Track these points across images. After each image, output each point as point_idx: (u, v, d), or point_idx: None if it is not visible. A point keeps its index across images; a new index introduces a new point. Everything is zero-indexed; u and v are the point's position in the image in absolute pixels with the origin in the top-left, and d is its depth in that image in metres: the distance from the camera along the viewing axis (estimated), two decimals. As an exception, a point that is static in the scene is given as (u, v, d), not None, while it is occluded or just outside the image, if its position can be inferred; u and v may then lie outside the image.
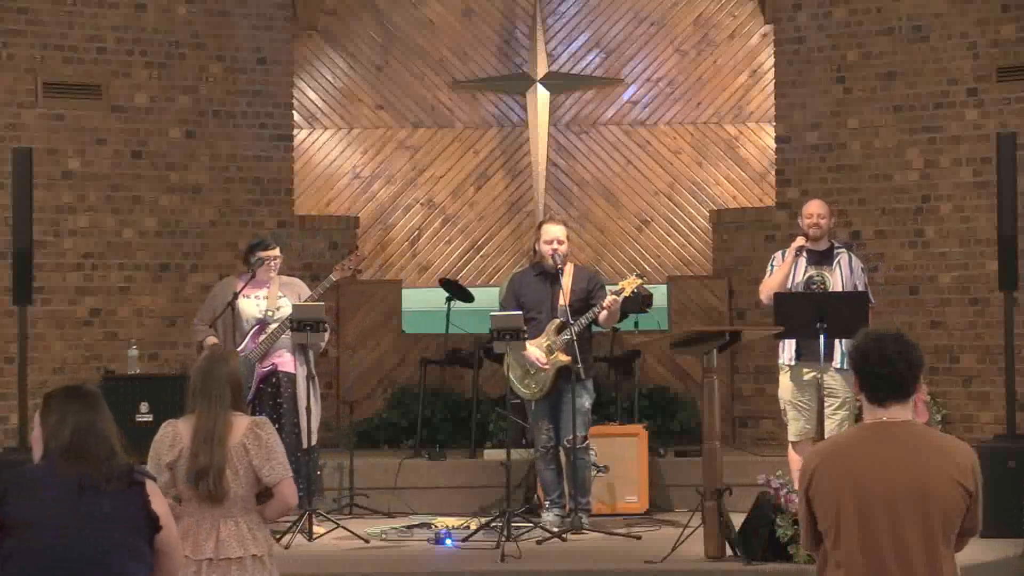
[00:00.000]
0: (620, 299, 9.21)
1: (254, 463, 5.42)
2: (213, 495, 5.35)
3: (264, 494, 5.55)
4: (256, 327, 9.23)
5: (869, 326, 8.95)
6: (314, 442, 9.19)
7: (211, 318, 9.26)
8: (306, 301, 9.21)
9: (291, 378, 9.19)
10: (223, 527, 5.41)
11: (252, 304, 9.25)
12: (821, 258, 9.23)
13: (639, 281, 9.42)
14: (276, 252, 9.36)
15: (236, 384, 5.51)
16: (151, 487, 4.55)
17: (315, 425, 9.18)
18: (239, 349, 9.09)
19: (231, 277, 9.62)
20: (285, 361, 9.19)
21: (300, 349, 9.20)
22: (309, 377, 9.14)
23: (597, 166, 12.43)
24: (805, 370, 8.98)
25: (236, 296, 9.35)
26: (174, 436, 5.45)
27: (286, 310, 9.17)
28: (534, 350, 9.18)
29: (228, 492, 5.37)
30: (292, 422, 9.10)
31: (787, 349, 9.07)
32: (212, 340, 9.17)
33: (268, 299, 9.25)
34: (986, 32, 10.80)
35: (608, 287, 9.41)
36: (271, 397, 9.14)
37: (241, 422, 5.48)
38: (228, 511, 5.41)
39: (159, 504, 4.55)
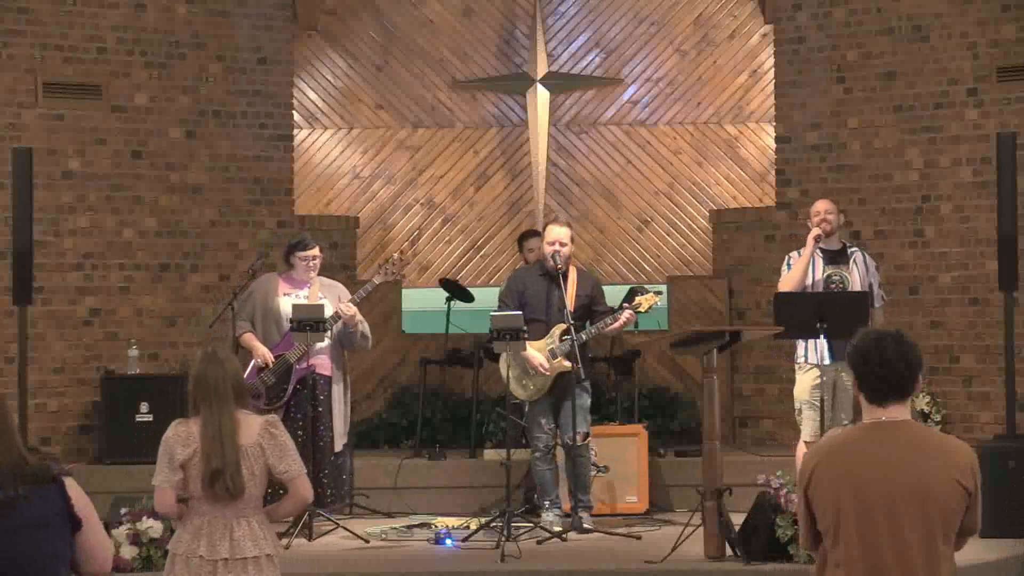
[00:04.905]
0: (635, 315, 9.22)
1: (270, 462, 5.42)
2: (231, 493, 5.34)
3: (272, 492, 5.55)
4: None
5: (885, 321, 9.05)
6: (341, 447, 9.22)
7: (250, 315, 9.27)
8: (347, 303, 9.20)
9: (328, 380, 9.20)
10: (236, 527, 5.40)
11: (291, 303, 9.21)
12: (837, 257, 9.20)
13: (657, 299, 9.38)
14: (315, 252, 9.33)
15: (237, 383, 5.49)
16: (70, 483, 4.37)
17: (345, 429, 9.22)
18: (273, 352, 9.14)
19: (272, 274, 9.59)
20: (323, 364, 9.17)
21: (337, 353, 9.22)
22: (343, 382, 9.18)
23: (597, 166, 12.43)
24: (837, 369, 8.84)
25: (235, 297, 9.38)
26: (187, 435, 5.43)
27: (326, 313, 9.13)
28: (536, 354, 9.17)
29: (244, 490, 5.36)
30: (328, 424, 9.13)
31: (811, 349, 8.98)
32: (249, 336, 9.20)
33: (308, 300, 9.23)
34: (986, 32, 10.80)
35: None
36: (308, 399, 9.10)
37: (252, 421, 5.46)
38: (241, 511, 5.40)
39: (78, 499, 4.39)
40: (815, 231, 9.13)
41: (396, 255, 9.66)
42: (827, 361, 8.78)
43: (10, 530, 4.19)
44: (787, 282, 9.12)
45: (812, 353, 8.94)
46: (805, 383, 9.02)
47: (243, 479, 5.34)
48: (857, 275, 9.14)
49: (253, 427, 5.44)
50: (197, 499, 5.40)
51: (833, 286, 9.11)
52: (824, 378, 8.83)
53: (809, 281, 9.11)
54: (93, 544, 4.35)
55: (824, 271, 9.14)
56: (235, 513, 5.40)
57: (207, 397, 5.43)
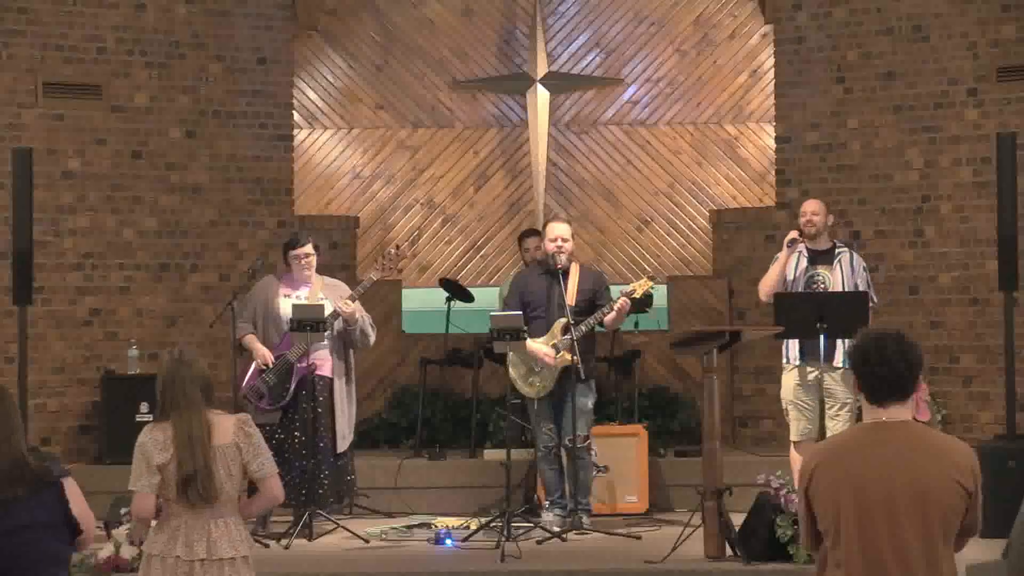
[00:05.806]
0: (630, 301, 9.21)
1: (245, 460, 5.41)
2: (204, 498, 5.32)
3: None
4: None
5: (869, 325, 9.05)
6: (345, 447, 9.21)
7: (251, 316, 9.27)
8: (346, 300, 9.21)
9: (327, 382, 9.18)
10: (213, 528, 5.38)
11: (290, 304, 9.21)
12: (822, 257, 9.22)
13: (651, 283, 9.41)
14: (307, 249, 9.32)
15: (205, 383, 5.45)
16: (69, 486, 4.32)
17: (349, 429, 9.20)
18: (274, 353, 9.15)
19: (271, 276, 9.60)
20: (324, 364, 9.16)
21: (340, 352, 9.21)
22: (347, 380, 9.18)
23: (597, 166, 12.42)
24: (808, 370, 8.96)
25: (235, 297, 9.39)
26: (164, 439, 5.40)
27: (326, 311, 9.13)
28: (541, 346, 9.19)
29: (220, 493, 5.34)
30: (327, 425, 9.12)
31: (791, 349, 9.05)
32: (251, 338, 9.21)
33: (308, 300, 9.22)
34: (986, 32, 10.80)
35: (620, 288, 9.42)
36: (307, 399, 9.09)
37: (226, 421, 5.44)
38: (219, 512, 5.39)
39: (77, 504, 4.32)
40: (791, 234, 9.17)
41: (391, 249, 9.66)
42: (799, 362, 8.91)
43: (9, 531, 4.18)
44: (763, 282, 9.24)
45: (793, 353, 9.01)
46: (788, 383, 9.10)
47: (216, 484, 5.32)
48: (840, 275, 9.13)
49: (227, 426, 5.42)
50: (174, 501, 5.38)
51: (815, 285, 9.13)
52: (809, 378, 8.91)
53: (790, 278, 9.15)
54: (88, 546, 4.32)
55: (807, 270, 9.16)
56: (212, 514, 5.38)
57: (176, 402, 5.39)
